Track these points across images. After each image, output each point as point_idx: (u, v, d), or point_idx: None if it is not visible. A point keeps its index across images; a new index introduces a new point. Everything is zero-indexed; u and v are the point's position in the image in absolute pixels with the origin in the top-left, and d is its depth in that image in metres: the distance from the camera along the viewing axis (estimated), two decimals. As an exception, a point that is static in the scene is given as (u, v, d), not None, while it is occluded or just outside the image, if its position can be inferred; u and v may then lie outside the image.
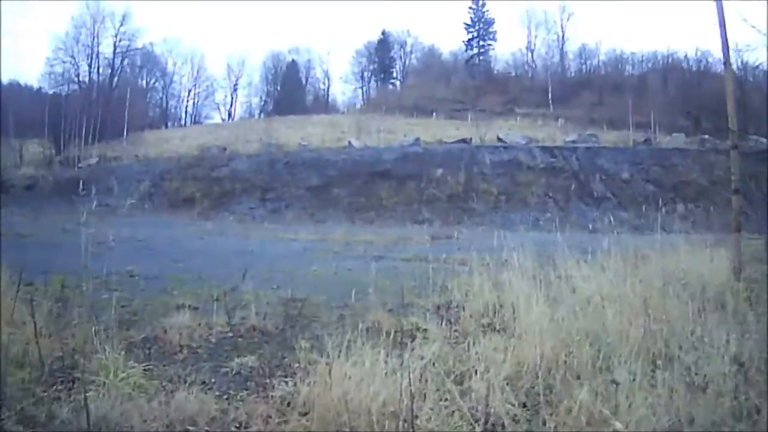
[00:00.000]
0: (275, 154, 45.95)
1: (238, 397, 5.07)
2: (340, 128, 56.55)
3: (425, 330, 6.92)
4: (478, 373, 4.97)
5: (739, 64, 56.76)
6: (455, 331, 7.04)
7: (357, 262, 15.79)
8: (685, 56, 75.17)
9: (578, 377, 4.93)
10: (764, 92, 45.45)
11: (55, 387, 4.95)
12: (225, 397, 5.07)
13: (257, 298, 8.13)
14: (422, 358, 5.11)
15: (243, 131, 56.53)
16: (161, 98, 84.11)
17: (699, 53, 74.26)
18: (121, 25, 68.16)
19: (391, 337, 5.86)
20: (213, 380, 5.46)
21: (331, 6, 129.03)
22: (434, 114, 65.03)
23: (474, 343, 5.94)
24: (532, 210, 39.68)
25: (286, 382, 5.18)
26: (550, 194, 41.33)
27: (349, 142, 48.25)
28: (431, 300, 8.79)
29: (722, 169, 39.14)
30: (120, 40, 68.44)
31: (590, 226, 36.95)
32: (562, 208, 39.87)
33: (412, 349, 5.38)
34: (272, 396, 4.93)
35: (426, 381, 4.76)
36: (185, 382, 5.07)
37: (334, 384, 4.56)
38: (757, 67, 52.46)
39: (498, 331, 6.77)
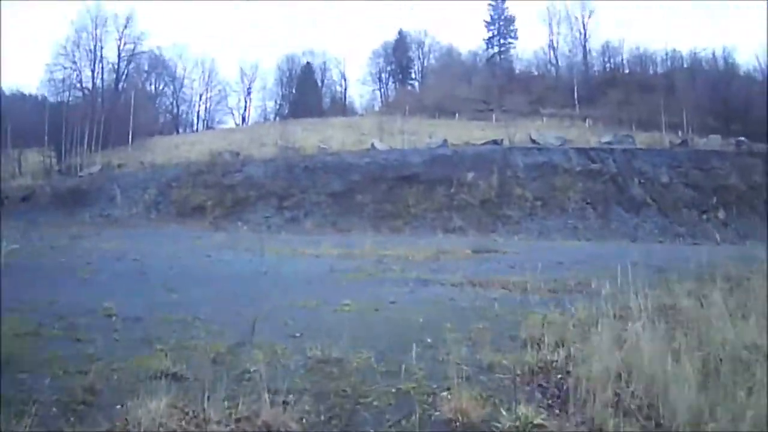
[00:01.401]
0: (292, 158, 42.95)
1: None
2: (360, 130, 53.93)
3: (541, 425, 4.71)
4: None
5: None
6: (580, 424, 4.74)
7: (398, 288, 12.88)
8: (713, 54, 73.43)
9: None
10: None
11: None
12: None
13: (273, 358, 5.33)
14: None
15: (257, 135, 54.04)
16: (171, 103, 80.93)
17: (725, 52, 73.31)
18: (125, 27, 66.15)
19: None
20: None
21: (345, 6, 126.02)
22: (457, 115, 62.92)
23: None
24: (570, 216, 37.54)
25: None
26: (588, 200, 38.82)
27: (372, 145, 45.40)
28: (518, 357, 6.55)
29: (759, 173, 37.19)
30: (124, 44, 66.29)
31: (632, 234, 34.58)
32: (602, 215, 38.03)
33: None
34: None
35: None
36: None
37: None
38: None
39: (636, 417, 4.75)
